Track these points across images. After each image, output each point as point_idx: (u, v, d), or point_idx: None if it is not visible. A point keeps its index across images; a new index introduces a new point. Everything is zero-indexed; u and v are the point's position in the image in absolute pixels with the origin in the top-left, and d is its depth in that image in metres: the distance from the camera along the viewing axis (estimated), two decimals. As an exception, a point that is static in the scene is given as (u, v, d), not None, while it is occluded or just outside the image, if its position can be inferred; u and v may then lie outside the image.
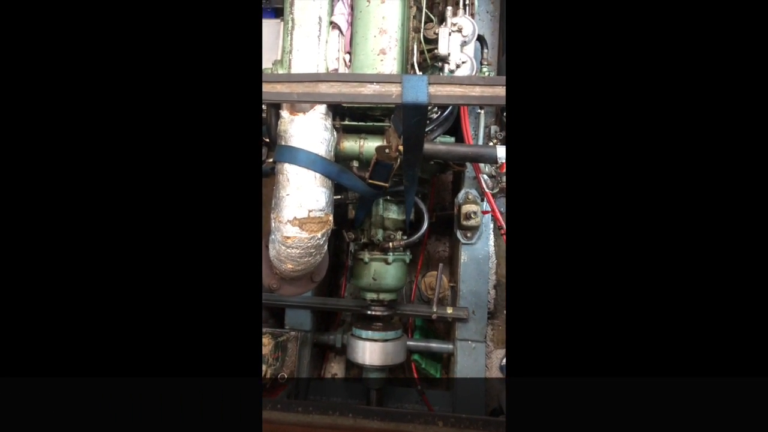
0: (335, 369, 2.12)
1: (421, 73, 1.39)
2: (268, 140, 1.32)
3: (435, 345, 1.95)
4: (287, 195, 1.21)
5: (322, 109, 1.25)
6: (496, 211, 1.61)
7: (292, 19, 1.30)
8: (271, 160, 1.27)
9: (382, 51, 1.29)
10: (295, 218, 1.20)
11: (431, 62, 1.44)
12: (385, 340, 1.69)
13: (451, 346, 1.90)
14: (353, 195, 1.55)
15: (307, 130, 1.22)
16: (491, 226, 1.87)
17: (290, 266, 1.28)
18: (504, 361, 1.92)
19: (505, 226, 1.56)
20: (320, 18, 1.30)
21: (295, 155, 1.21)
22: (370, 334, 1.70)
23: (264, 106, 1.26)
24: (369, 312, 1.74)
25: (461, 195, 1.80)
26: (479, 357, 1.82)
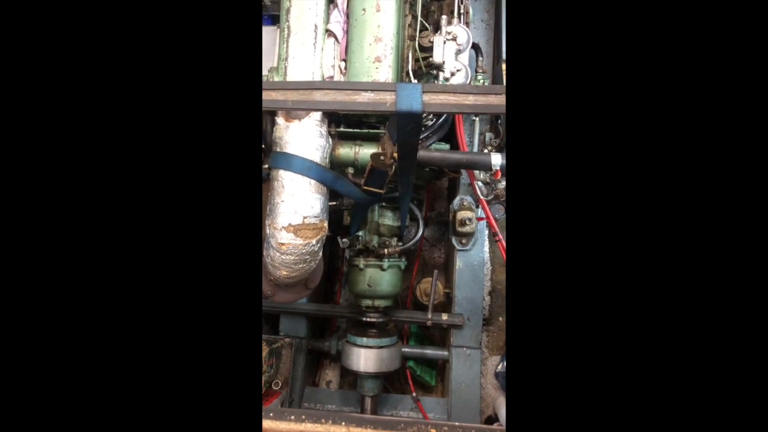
0: (330, 376, 2.11)
1: (416, 80, 1.40)
2: (263, 146, 1.33)
3: (430, 352, 1.94)
4: (282, 201, 1.21)
5: (317, 116, 1.25)
6: (491, 217, 1.61)
7: (288, 27, 1.31)
8: (266, 166, 1.28)
9: (378, 59, 1.30)
10: (289, 225, 1.20)
11: (426, 70, 1.45)
12: (380, 347, 1.69)
13: (446, 353, 1.89)
14: (348, 201, 1.55)
15: (303, 137, 1.23)
16: (486, 232, 1.88)
17: (285, 273, 1.28)
18: (499, 367, 1.91)
19: (499, 233, 1.57)
20: (316, 26, 1.31)
21: (290, 162, 1.21)
22: (365, 340, 1.69)
23: (259, 113, 1.26)
24: (364, 318, 1.74)
25: (456, 201, 1.81)
26: (474, 364, 1.82)
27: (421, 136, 1.39)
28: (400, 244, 1.68)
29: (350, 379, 2.08)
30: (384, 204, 1.64)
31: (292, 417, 0.82)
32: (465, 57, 1.46)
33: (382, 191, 1.37)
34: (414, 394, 1.92)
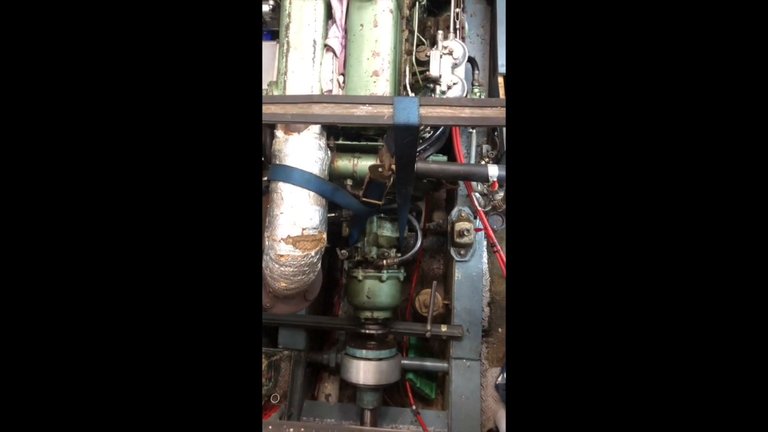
0: (329, 389, 2.09)
1: (413, 94, 1.43)
2: (263, 159, 1.34)
3: (430, 364, 1.93)
4: (281, 213, 1.22)
5: (316, 128, 1.27)
6: (489, 228, 1.62)
7: (288, 42, 1.33)
8: (265, 178, 1.29)
9: (375, 73, 1.32)
10: (288, 236, 1.21)
11: (423, 83, 1.47)
12: (380, 359, 1.68)
13: (446, 365, 1.88)
14: (347, 213, 1.56)
15: (302, 150, 1.24)
16: (485, 243, 1.89)
17: (283, 284, 1.28)
18: (499, 379, 1.90)
19: (497, 244, 1.57)
20: (315, 41, 1.33)
21: (289, 174, 1.22)
22: (364, 353, 1.69)
23: (259, 126, 1.27)
24: (363, 330, 1.73)
25: (454, 212, 1.81)
26: (474, 376, 1.80)
27: (418, 149, 1.41)
28: (399, 255, 1.68)
29: (349, 392, 2.06)
30: (382, 215, 1.64)
31: (291, 430, 0.82)
32: (461, 70, 1.48)
33: (380, 203, 1.38)
34: (414, 407, 1.90)
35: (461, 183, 1.79)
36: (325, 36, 1.37)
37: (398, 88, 1.41)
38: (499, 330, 1.97)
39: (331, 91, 1.36)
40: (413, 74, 1.44)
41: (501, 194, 1.68)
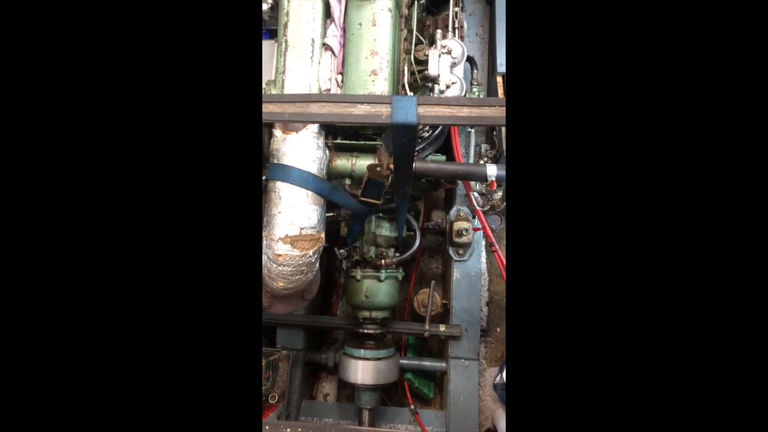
0: (327, 389, 2.09)
1: (411, 93, 1.42)
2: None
3: (428, 363, 1.93)
4: (279, 213, 1.21)
5: (314, 128, 1.27)
6: (487, 228, 1.62)
7: (286, 41, 1.33)
8: (263, 177, 1.28)
9: (374, 72, 1.31)
10: (286, 236, 1.21)
11: (422, 83, 1.47)
12: (378, 359, 1.68)
13: (444, 365, 1.88)
14: (345, 212, 1.56)
15: (300, 149, 1.23)
16: (483, 243, 1.88)
17: (281, 284, 1.28)
18: (497, 379, 1.90)
19: (495, 244, 1.57)
20: (313, 40, 1.33)
21: (287, 173, 1.22)
22: (362, 352, 1.68)
23: (257, 125, 1.27)
24: (361, 330, 1.73)
25: (453, 212, 1.81)
26: (473, 375, 1.80)
27: (417, 148, 1.41)
28: (397, 254, 1.68)
29: (348, 391, 2.06)
30: (381, 215, 1.64)
31: (288, 430, 0.81)
32: (460, 70, 1.48)
33: (378, 202, 1.38)
34: (412, 407, 1.90)
35: (460, 182, 1.78)
36: (324, 35, 1.37)
37: (397, 87, 1.40)
38: (498, 330, 1.97)
39: (329, 90, 1.35)
40: (412, 73, 1.44)
41: (499, 194, 1.68)
